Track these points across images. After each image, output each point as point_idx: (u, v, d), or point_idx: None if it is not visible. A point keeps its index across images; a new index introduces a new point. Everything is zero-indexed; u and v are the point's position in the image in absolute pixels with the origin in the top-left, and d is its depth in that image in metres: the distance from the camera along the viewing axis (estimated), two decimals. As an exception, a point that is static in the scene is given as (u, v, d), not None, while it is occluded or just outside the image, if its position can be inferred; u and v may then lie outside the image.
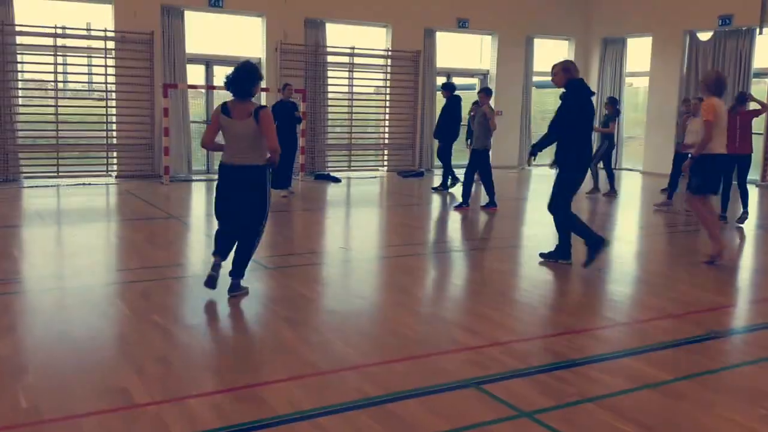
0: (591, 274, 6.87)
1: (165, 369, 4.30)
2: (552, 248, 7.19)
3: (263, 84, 14.15)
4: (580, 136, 6.60)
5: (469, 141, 14.24)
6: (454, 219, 10.42)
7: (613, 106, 12.93)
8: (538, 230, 9.06)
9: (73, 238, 8.33)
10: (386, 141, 16.17)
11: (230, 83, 5.54)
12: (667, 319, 5.57)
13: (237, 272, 5.82)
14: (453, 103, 12.99)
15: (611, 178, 12.79)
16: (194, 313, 5.51)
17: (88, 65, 13.30)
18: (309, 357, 4.59)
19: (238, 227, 5.81)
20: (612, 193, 12.63)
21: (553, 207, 6.81)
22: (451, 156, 13.09)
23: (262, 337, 5.06)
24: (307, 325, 5.29)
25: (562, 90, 6.77)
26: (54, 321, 5.21)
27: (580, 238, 6.91)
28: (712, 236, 7.26)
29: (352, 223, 9.66)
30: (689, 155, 7.57)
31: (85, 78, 13.77)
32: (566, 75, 6.55)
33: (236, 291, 5.77)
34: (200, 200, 11.87)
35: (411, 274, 6.97)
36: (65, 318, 5.31)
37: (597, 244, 6.73)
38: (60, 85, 13.01)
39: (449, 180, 12.90)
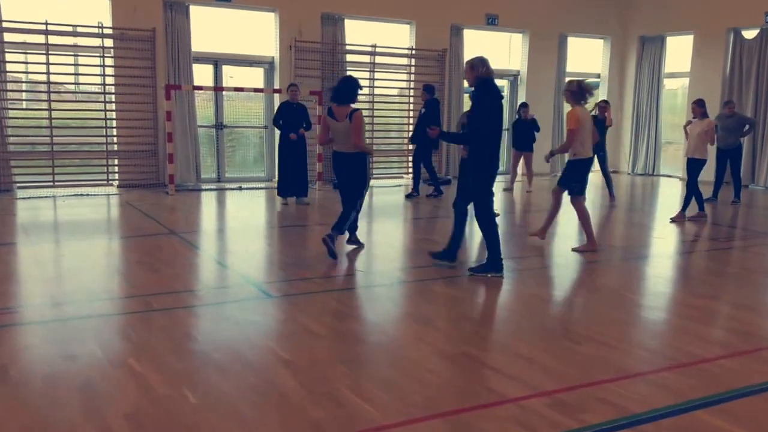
0: (626, 299, 5.78)
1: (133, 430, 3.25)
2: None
3: (275, 85, 13.45)
4: (492, 137, 6.31)
5: (516, 147, 13.41)
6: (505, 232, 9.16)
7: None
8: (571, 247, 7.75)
9: (59, 258, 7.17)
10: (410, 147, 14.89)
11: (334, 94, 7.23)
12: (737, 357, 4.47)
13: (337, 228, 7.22)
14: (432, 105, 12.27)
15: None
16: (179, 357, 4.34)
17: (84, 65, 12.20)
18: (313, 414, 3.48)
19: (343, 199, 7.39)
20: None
21: (477, 213, 6.45)
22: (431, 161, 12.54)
23: (254, 385, 3.87)
24: (311, 371, 4.12)
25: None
26: (10, 365, 4.14)
27: (487, 249, 6.48)
28: (588, 232, 7.86)
29: (371, 239, 8.41)
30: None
31: (81, 79, 12.70)
32: (475, 73, 6.30)
33: (332, 241, 7.03)
34: (208, 212, 10.74)
35: (435, 301, 5.78)
36: (24, 362, 4.26)
37: (497, 266, 6.42)
38: (54, 87, 11.93)
39: (416, 187, 12.36)
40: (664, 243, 8.73)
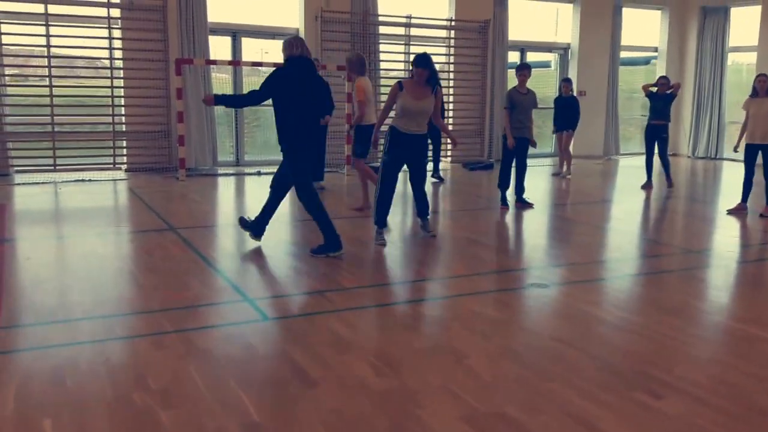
0: (724, 328, 4.12)
1: None
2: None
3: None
4: (292, 114, 5.94)
5: (555, 126, 11.92)
6: (535, 232, 7.69)
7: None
8: (629, 249, 6.21)
9: (25, 262, 5.88)
10: (450, 127, 13.36)
11: (433, 76, 6.42)
12: None
13: (425, 213, 6.83)
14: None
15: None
16: (113, 420, 2.96)
17: (88, 37, 10.87)
18: None
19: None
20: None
21: (300, 196, 6.16)
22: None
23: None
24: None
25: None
26: None
27: (321, 230, 6.06)
28: (365, 193, 8.26)
29: (401, 239, 6.98)
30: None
31: (85, 53, 11.39)
32: (285, 53, 6.00)
33: (429, 230, 6.79)
34: (218, 203, 9.39)
35: (474, 328, 4.29)
36: None
37: (335, 244, 6.02)
38: (55, 61, 10.68)
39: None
40: (749, 245, 7.15)
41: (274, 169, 11.76)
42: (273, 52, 12.46)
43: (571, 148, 11.88)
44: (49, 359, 3.74)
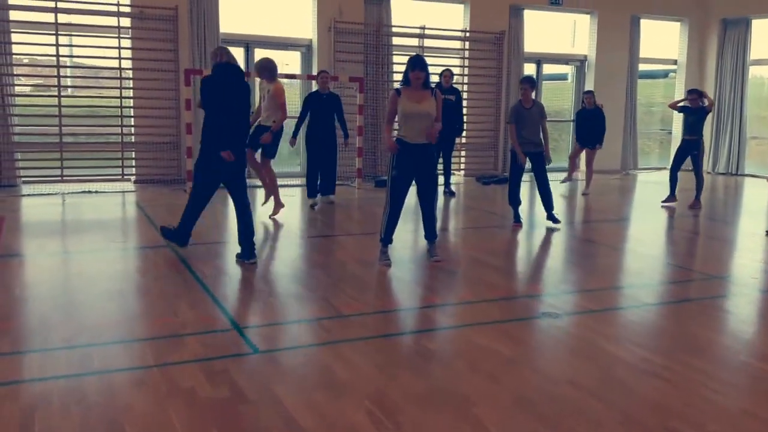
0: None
1: None
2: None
3: (313, 70, 11.66)
4: (218, 120, 6.03)
5: (579, 141, 11.36)
6: (548, 253, 7.26)
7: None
8: (648, 274, 5.74)
9: (6, 281, 5.52)
10: (463, 140, 13.03)
11: (428, 79, 6.03)
12: None
13: (432, 236, 6.33)
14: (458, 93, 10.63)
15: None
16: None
17: (98, 47, 10.59)
18: None
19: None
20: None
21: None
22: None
23: None
24: None
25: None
26: None
27: (182, 219, 6.32)
28: (272, 189, 8.50)
29: (408, 259, 6.58)
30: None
31: (95, 62, 11.12)
32: (212, 61, 6.27)
33: (434, 255, 6.27)
34: (223, 218, 8.89)
35: (482, 369, 3.84)
36: None
37: (183, 236, 6.37)
38: (64, 71, 10.41)
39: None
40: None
41: (286, 181, 11.75)
42: (293, 64, 12.22)
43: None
44: (18, 397, 3.37)
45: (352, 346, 4.17)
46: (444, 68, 10.61)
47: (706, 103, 9.77)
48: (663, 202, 9.91)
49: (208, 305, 4.92)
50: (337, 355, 3.98)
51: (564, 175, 11.89)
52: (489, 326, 4.57)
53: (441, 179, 9.67)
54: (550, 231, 7.93)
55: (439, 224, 7.01)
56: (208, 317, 4.66)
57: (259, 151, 8.24)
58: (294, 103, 12.32)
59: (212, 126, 6.06)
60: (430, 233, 6.32)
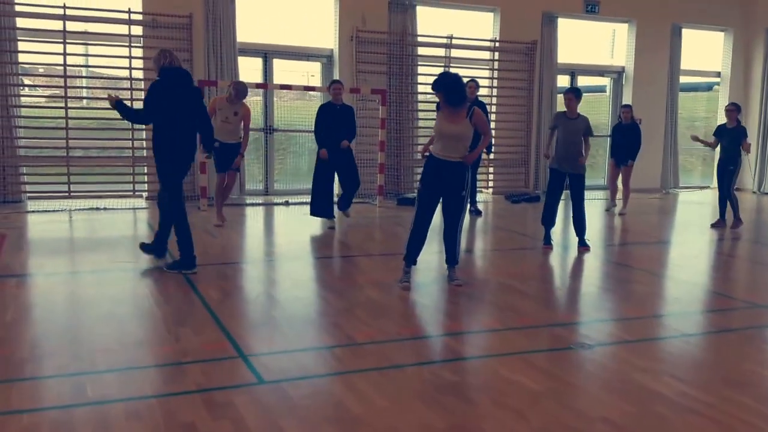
0: None
1: None
2: None
3: (317, 82, 11.64)
4: (166, 125, 6.30)
5: (614, 158, 11.17)
6: (581, 278, 7.08)
7: None
8: (688, 302, 5.52)
9: (3, 301, 5.50)
10: (492, 155, 12.90)
11: (452, 97, 5.97)
12: None
13: (453, 260, 6.22)
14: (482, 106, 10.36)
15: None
16: None
17: (109, 56, 10.70)
18: None
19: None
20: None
21: (162, 205, 6.61)
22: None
23: None
24: None
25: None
26: None
27: (178, 245, 6.46)
28: (219, 206, 8.98)
29: (430, 281, 6.44)
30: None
31: (105, 72, 11.23)
32: (156, 65, 6.40)
33: (455, 278, 6.16)
34: (237, 237, 8.90)
35: (508, 405, 3.67)
36: None
37: (189, 263, 6.45)
38: (72, 82, 10.52)
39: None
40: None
41: (305, 198, 11.71)
42: (318, 75, 12.26)
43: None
44: (3, 431, 3.32)
45: (365, 376, 4.04)
46: (469, 79, 10.53)
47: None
48: (713, 225, 9.72)
49: (213, 331, 4.83)
50: (348, 387, 3.86)
51: (604, 197, 11.70)
52: (515, 357, 4.40)
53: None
54: (582, 254, 7.76)
55: (463, 245, 6.88)
56: (213, 344, 4.56)
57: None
58: (313, 117, 12.33)
59: (162, 135, 6.27)
60: (449, 256, 6.19)
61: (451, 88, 5.93)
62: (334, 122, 8.76)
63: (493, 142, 11.09)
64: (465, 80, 10.26)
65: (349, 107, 9.04)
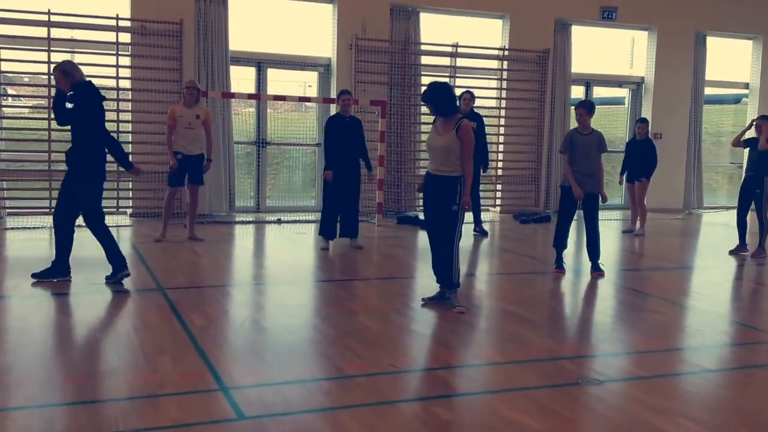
0: None
1: None
2: None
3: (332, 92, 11.71)
4: (89, 142, 6.68)
5: (623, 175, 11.29)
6: (594, 306, 7.01)
7: None
8: (710, 334, 5.48)
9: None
10: (500, 172, 12.95)
11: (438, 107, 6.17)
12: None
13: (446, 283, 6.24)
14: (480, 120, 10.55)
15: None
16: None
17: (94, 65, 10.69)
18: None
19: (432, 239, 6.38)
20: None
21: (89, 225, 6.88)
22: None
23: None
24: None
25: None
26: None
27: (108, 257, 6.79)
28: (165, 220, 9.23)
29: (429, 309, 6.43)
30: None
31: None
32: (69, 79, 6.65)
33: (452, 305, 6.15)
34: (224, 258, 8.95)
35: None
36: None
37: (121, 267, 6.81)
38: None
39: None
40: None
41: (297, 216, 11.77)
42: (315, 85, 12.35)
43: (645, 201, 11.21)
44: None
45: (353, 413, 4.00)
46: (464, 90, 10.55)
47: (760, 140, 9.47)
48: (731, 252, 9.60)
49: (194, 360, 4.80)
50: (334, 425, 3.83)
51: (619, 218, 11.67)
52: (517, 393, 4.37)
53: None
54: (596, 279, 7.73)
55: (464, 269, 6.85)
56: (192, 375, 4.53)
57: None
58: (309, 129, 12.44)
59: (86, 150, 6.60)
60: (439, 277, 6.24)
61: (437, 98, 6.07)
62: (344, 136, 8.75)
63: (489, 157, 11.06)
64: (461, 91, 10.50)
65: (358, 120, 9.05)
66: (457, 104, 6.30)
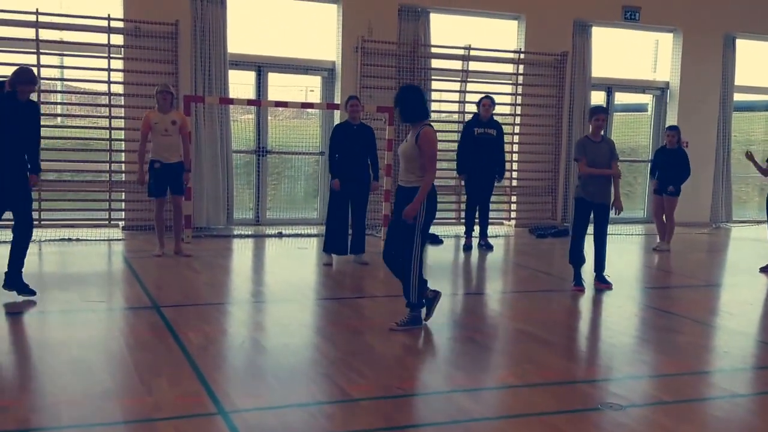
0: None
1: None
2: None
3: (336, 98, 11.83)
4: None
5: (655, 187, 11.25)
6: (615, 326, 7.04)
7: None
8: (739, 356, 5.53)
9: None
10: (515, 182, 13.04)
11: (402, 113, 6.32)
12: None
13: (412, 303, 6.27)
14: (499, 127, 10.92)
15: None
16: None
17: (84, 68, 10.95)
18: None
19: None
20: None
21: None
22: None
23: None
24: None
25: None
26: None
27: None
28: (159, 234, 9.29)
29: (439, 327, 6.48)
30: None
31: (79, 86, 11.51)
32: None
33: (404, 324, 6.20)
34: (225, 271, 9.07)
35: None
36: None
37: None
38: (45, 97, 10.69)
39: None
40: None
41: (299, 230, 11.88)
42: (318, 90, 12.48)
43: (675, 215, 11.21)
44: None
45: (360, 437, 4.08)
46: (483, 95, 10.64)
47: None
48: (762, 269, 9.62)
49: (191, 382, 4.87)
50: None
51: (643, 233, 11.70)
52: (532, 419, 4.42)
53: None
54: (601, 292, 7.84)
55: (474, 284, 6.89)
56: (189, 397, 4.60)
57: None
58: (312, 137, 12.55)
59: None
60: (404, 291, 6.30)
61: (400, 102, 6.25)
62: (351, 144, 8.83)
63: (506, 167, 11.17)
64: (480, 96, 10.62)
65: (368, 127, 9.13)
66: (426, 109, 6.31)
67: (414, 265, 6.12)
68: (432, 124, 6.37)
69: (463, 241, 10.79)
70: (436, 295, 6.38)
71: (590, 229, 8.10)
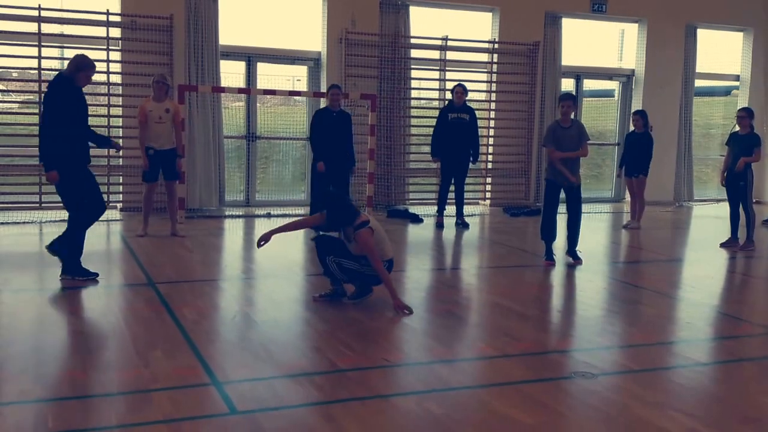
0: None
1: None
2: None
3: (322, 86, 11.72)
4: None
5: (623, 168, 11.30)
6: (585, 299, 7.03)
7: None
8: (702, 327, 5.50)
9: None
10: (490, 165, 12.96)
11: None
12: None
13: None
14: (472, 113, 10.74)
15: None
16: None
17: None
18: None
19: None
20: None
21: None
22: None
23: None
24: None
25: None
26: None
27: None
28: (145, 215, 9.18)
29: (419, 303, 6.43)
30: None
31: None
32: None
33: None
34: (216, 250, 9.00)
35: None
36: None
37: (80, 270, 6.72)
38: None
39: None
40: None
41: (288, 210, 11.76)
42: (304, 79, 12.31)
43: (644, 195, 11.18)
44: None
45: (346, 407, 4.00)
46: (456, 83, 10.56)
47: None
48: (722, 245, 9.60)
49: (186, 355, 4.80)
50: (327, 419, 3.83)
51: (611, 211, 11.68)
52: (509, 388, 4.37)
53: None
54: (592, 274, 7.75)
55: (451, 260, 6.81)
56: (184, 369, 4.53)
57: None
58: (299, 123, 12.41)
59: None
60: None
61: (328, 211, 6.02)
62: (330, 129, 8.76)
63: (480, 150, 11.07)
64: (452, 85, 10.52)
65: (347, 114, 9.09)
66: (349, 214, 5.98)
67: None
68: (366, 221, 5.96)
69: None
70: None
71: (564, 208, 8.11)
